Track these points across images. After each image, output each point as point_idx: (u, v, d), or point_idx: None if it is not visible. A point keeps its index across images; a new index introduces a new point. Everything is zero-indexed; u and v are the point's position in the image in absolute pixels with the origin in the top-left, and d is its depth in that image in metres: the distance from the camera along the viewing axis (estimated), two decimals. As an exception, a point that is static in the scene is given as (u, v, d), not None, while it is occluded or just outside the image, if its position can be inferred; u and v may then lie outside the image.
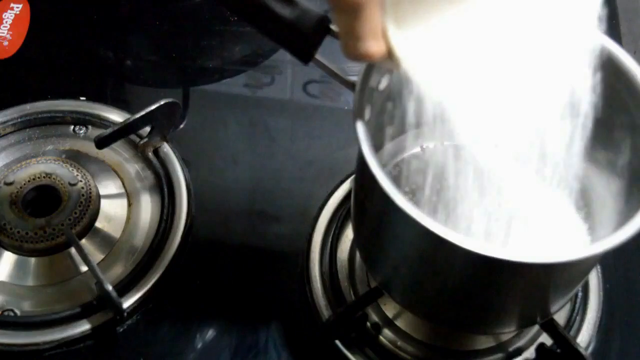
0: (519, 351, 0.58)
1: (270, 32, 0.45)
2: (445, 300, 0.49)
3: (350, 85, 0.45)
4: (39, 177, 0.63)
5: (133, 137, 0.68)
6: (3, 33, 0.78)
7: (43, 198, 0.63)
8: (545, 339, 0.57)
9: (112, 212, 0.64)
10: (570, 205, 0.52)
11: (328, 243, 0.63)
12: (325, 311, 0.59)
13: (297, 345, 0.60)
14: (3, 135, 0.69)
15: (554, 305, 0.50)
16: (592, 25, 0.40)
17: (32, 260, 0.60)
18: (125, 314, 0.58)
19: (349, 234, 0.63)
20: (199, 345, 0.59)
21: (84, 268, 0.60)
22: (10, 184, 0.62)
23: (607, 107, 0.47)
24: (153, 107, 0.64)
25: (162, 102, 0.64)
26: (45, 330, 0.57)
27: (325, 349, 0.57)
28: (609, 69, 0.45)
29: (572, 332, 0.58)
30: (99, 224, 0.63)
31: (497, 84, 0.40)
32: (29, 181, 0.62)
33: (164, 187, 0.65)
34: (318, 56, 0.46)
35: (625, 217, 0.43)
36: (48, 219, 0.60)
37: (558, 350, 0.56)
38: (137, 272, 0.60)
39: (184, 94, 0.76)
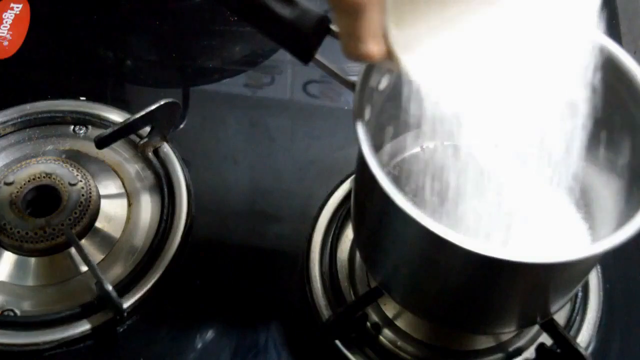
0: (519, 351, 0.58)
1: (270, 32, 0.45)
2: (445, 300, 0.49)
3: (350, 85, 0.45)
4: (39, 177, 0.63)
5: (133, 137, 0.68)
6: (3, 33, 0.78)
7: (43, 198, 0.63)
8: (545, 339, 0.58)
9: (112, 212, 0.64)
10: (570, 204, 0.52)
11: (328, 243, 0.63)
12: (325, 311, 0.59)
13: (297, 345, 0.60)
14: (3, 135, 0.69)
15: (554, 305, 0.50)
16: (591, 25, 0.40)
17: (32, 260, 0.60)
18: (125, 314, 0.58)
19: (349, 234, 0.63)
20: (199, 345, 0.59)
21: (84, 268, 0.60)
22: (10, 184, 0.62)
23: (607, 107, 0.47)
24: (153, 107, 0.64)
25: (162, 102, 0.64)
26: (45, 330, 0.57)
27: (325, 349, 0.57)
28: (609, 69, 0.45)
29: (572, 332, 0.58)
30: (99, 224, 0.63)
31: (496, 84, 0.40)
32: (29, 181, 0.62)
33: (164, 187, 0.65)
34: (318, 56, 0.46)
35: (625, 216, 0.43)
36: (48, 219, 0.60)
37: (558, 350, 0.56)
38: (137, 272, 0.60)
39: (184, 94, 0.76)
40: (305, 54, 0.45)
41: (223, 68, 0.78)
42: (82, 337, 0.57)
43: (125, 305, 0.58)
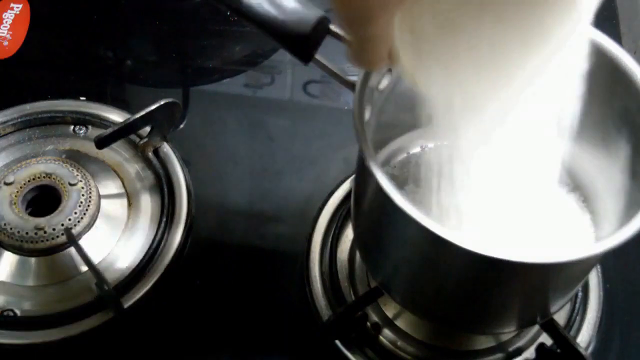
0: (519, 351, 0.58)
1: (271, 32, 0.45)
2: (445, 300, 0.49)
3: (350, 85, 0.45)
4: (39, 177, 0.63)
5: (133, 137, 0.68)
6: (3, 33, 0.78)
7: (43, 198, 0.63)
8: (545, 339, 0.57)
9: (112, 212, 0.64)
10: (574, 203, 0.52)
11: (328, 243, 0.63)
12: (325, 311, 0.59)
13: (297, 345, 0.60)
14: (3, 135, 0.69)
15: (554, 305, 0.50)
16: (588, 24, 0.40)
17: (32, 260, 0.60)
18: (125, 314, 0.58)
19: (349, 234, 0.63)
20: (199, 345, 0.59)
21: (84, 268, 0.60)
22: (10, 184, 0.62)
23: (607, 107, 0.47)
24: (153, 107, 0.64)
25: (162, 102, 0.64)
26: (45, 330, 0.57)
27: (325, 349, 0.57)
28: (609, 69, 0.45)
29: (572, 332, 0.58)
30: (99, 224, 0.63)
31: (498, 87, 0.40)
32: (29, 181, 0.62)
33: (164, 187, 0.65)
34: (318, 56, 0.46)
35: (627, 216, 0.43)
36: (48, 219, 0.60)
37: (558, 350, 0.56)
38: (137, 272, 0.60)
39: (184, 94, 0.76)
40: (305, 54, 0.45)
41: (223, 68, 0.78)
42: (82, 337, 0.57)
43: (125, 305, 0.58)
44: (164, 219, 0.63)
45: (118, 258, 0.62)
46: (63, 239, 0.60)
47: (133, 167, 0.68)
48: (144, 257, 0.61)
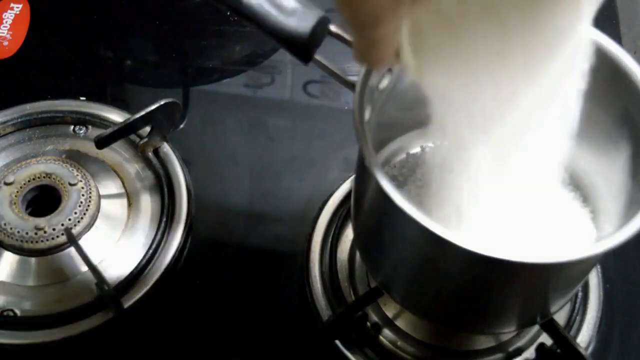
0: (519, 351, 0.58)
1: (270, 32, 0.45)
2: (445, 300, 0.49)
3: (350, 85, 0.45)
4: (39, 177, 0.63)
5: (133, 137, 0.68)
6: (3, 33, 0.78)
7: (43, 198, 0.63)
8: (545, 339, 0.57)
9: (112, 212, 0.64)
10: (575, 203, 0.52)
11: (328, 243, 0.63)
12: (325, 311, 0.59)
13: (297, 345, 0.60)
14: (3, 135, 0.69)
15: (554, 305, 0.50)
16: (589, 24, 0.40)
17: (32, 260, 0.60)
18: (125, 314, 0.58)
19: (349, 234, 0.63)
20: (199, 345, 0.59)
21: (84, 268, 0.60)
22: (10, 184, 0.62)
23: (607, 107, 0.47)
24: (153, 107, 0.64)
25: (162, 102, 0.64)
26: (45, 331, 0.57)
27: (325, 349, 0.57)
28: (609, 69, 0.45)
29: (572, 332, 0.58)
30: (99, 224, 0.63)
31: (500, 89, 0.40)
32: (29, 181, 0.62)
33: (164, 187, 0.65)
34: (318, 56, 0.46)
35: (627, 216, 0.43)
36: (48, 219, 0.60)
37: (558, 350, 0.56)
38: (137, 272, 0.60)
39: (184, 94, 0.76)
40: (305, 54, 0.45)
41: (223, 68, 0.78)
42: (82, 337, 0.57)
43: (125, 305, 0.58)
44: (164, 219, 0.63)
45: (118, 258, 0.62)
46: (63, 239, 0.60)
47: (133, 167, 0.68)
48: (144, 257, 0.61)
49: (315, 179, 0.68)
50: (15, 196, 0.61)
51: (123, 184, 0.66)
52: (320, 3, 0.45)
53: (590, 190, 0.52)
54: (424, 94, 0.41)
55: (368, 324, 0.58)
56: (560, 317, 0.59)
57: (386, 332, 0.59)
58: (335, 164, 0.69)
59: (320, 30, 0.45)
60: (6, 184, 0.62)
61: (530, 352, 0.58)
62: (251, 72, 0.78)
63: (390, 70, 0.46)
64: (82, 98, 0.72)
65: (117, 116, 0.70)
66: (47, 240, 0.60)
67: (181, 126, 0.72)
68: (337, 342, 0.57)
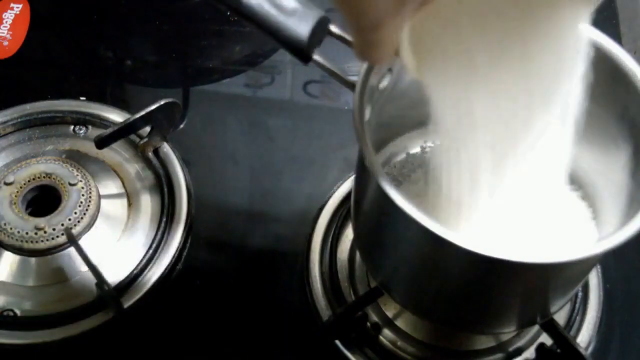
0: (519, 351, 0.58)
1: (270, 32, 0.45)
2: (445, 300, 0.49)
3: (350, 85, 0.45)
4: (39, 177, 0.63)
5: (133, 137, 0.68)
6: (3, 33, 0.78)
7: (43, 198, 0.63)
8: (545, 339, 0.57)
9: (112, 212, 0.64)
10: (576, 203, 0.52)
11: (328, 243, 0.63)
12: (325, 311, 0.59)
13: (297, 345, 0.60)
14: (3, 135, 0.69)
15: (554, 305, 0.50)
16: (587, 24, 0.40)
17: (32, 260, 0.60)
18: (125, 314, 0.58)
19: (349, 234, 0.63)
20: (199, 345, 0.59)
21: (84, 268, 0.60)
22: (10, 184, 0.62)
23: (607, 107, 0.47)
24: (153, 107, 0.64)
25: (162, 102, 0.64)
26: (45, 330, 0.57)
27: (325, 349, 0.57)
28: (609, 69, 0.45)
29: (572, 332, 0.58)
30: (99, 224, 0.63)
31: (499, 88, 0.40)
32: (29, 181, 0.62)
33: (164, 187, 0.65)
34: (318, 56, 0.46)
35: (627, 216, 0.43)
36: (48, 219, 0.60)
37: (558, 350, 0.56)
38: (137, 272, 0.60)
39: (184, 94, 0.76)
40: (305, 54, 0.45)
41: (223, 68, 0.78)
42: (82, 337, 0.57)
43: (125, 305, 0.58)
44: (164, 219, 0.63)
45: (118, 258, 0.62)
46: (63, 239, 0.60)
47: (133, 167, 0.68)
48: (144, 257, 0.61)
49: (315, 179, 0.68)
50: (15, 196, 0.61)
51: (123, 184, 0.66)
52: (320, 3, 0.45)
53: (591, 190, 0.52)
54: (424, 93, 0.41)
55: (368, 324, 0.58)
56: (560, 317, 0.59)
57: (386, 332, 0.59)
58: (335, 164, 0.69)
59: (320, 30, 0.45)
60: (6, 184, 0.62)
61: (530, 352, 0.58)
62: (251, 72, 0.78)
63: (390, 70, 0.46)
64: (82, 98, 0.72)
65: (117, 116, 0.70)
66: (47, 240, 0.60)
67: (181, 126, 0.72)
68: (337, 342, 0.57)
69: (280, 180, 0.69)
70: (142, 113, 0.64)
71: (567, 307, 0.60)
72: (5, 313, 0.58)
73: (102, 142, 0.63)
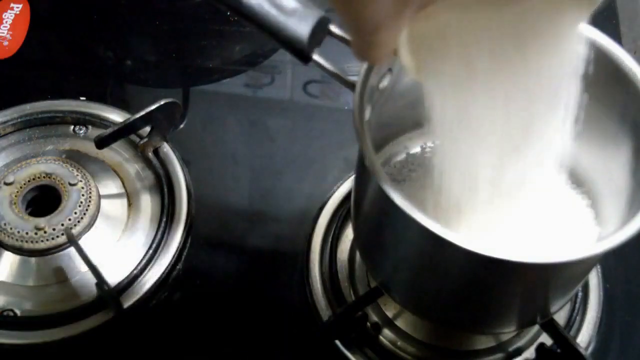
0: (519, 351, 0.58)
1: (270, 32, 0.45)
2: (445, 300, 0.49)
3: (350, 85, 0.45)
4: (39, 177, 0.63)
5: (133, 137, 0.68)
6: (3, 33, 0.78)
7: (43, 198, 0.63)
8: (545, 339, 0.58)
9: (112, 212, 0.64)
10: (577, 203, 0.52)
11: (328, 243, 0.63)
12: (325, 311, 0.59)
13: (297, 345, 0.60)
14: (3, 135, 0.69)
15: (554, 305, 0.50)
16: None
17: (32, 260, 0.60)
18: (125, 314, 0.58)
19: (349, 234, 0.63)
20: (199, 345, 0.59)
21: (84, 268, 0.60)
22: (10, 184, 0.62)
23: (607, 107, 0.47)
24: (153, 107, 0.64)
25: (162, 102, 0.64)
26: (45, 331, 0.57)
27: (325, 349, 0.57)
28: (609, 69, 0.45)
29: (572, 332, 0.58)
30: (99, 224, 0.63)
31: (498, 87, 0.40)
32: (29, 181, 0.62)
33: (164, 187, 0.65)
34: (318, 56, 0.46)
35: (628, 215, 0.43)
36: (48, 219, 0.60)
37: (558, 350, 0.56)
38: (137, 272, 0.60)
39: (184, 94, 0.76)
40: (304, 54, 0.45)
41: (223, 68, 0.78)
42: (82, 337, 0.57)
43: (125, 305, 0.58)
44: (164, 219, 0.63)
45: (118, 258, 0.62)
46: (63, 239, 0.60)
47: (133, 167, 0.68)
48: (144, 257, 0.61)
49: (315, 179, 0.68)
50: (15, 196, 0.61)
51: (123, 184, 0.66)
52: (320, 3, 0.45)
53: (592, 190, 0.52)
54: (422, 93, 0.41)
55: (368, 324, 0.58)
56: (560, 317, 0.59)
57: (386, 332, 0.59)
58: (335, 164, 0.69)
59: (320, 31, 0.45)
60: (6, 184, 0.62)
61: (530, 352, 0.58)
62: (251, 72, 0.78)
63: (390, 70, 0.46)
64: (82, 98, 0.72)
65: (117, 116, 0.70)
66: (47, 240, 0.60)
67: (181, 126, 0.72)
68: (337, 342, 0.57)
69: (280, 180, 0.69)
70: (142, 113, 0.64)
71: (567, 307, 0.60)
72: (5, 313, 0.58)
73: (102, 142, 0.63)
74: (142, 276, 0.60)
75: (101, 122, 0.70)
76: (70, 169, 0.63)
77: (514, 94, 0.41)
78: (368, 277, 0.61)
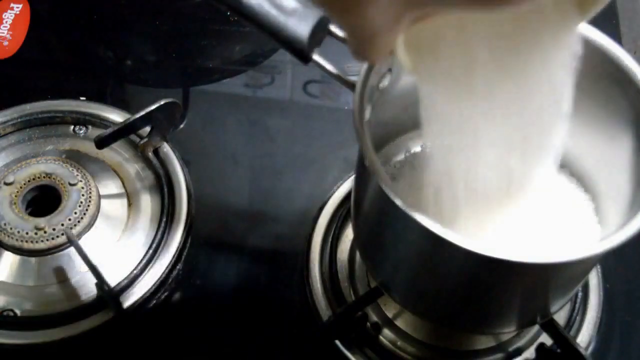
0: (519, 351, 0.58)
1: (270, 32, 0.45)
2: (445, 301, 0.49)
3: (350, 85, 0.45)
4: (39, 177, 0.63)
5: (133, 137, 0.68)
6: (3, 33, 0.78)
7: (43, 198, 0.63)
8: (545, 339, 0.58)
9: (112, 212, 0.64)
10: (578, 203, 0.52)
11: (328, 243, 0.63)
12: (325, 311, 0.59)
13: (297, 345, 0.60)
14: (3, 135, 0.69)
15: (554, 305, 0.50)
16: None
17: (33, 260, 0.60)
18: (125, 314, 0.58)
19: (349, 234, 0.63)
20: (199, 345, 0.59)
21: (84, 268, 0.60)
22: (10, 184, 0.62)
23: (607, 106, 0.47)
24: (153, 107, 0.64)
25: (162, 102, 0.64)
26: (45, 330, 0.57)
27: (325, 349, 0.57)
28: (609, 69, 0.45)
29: (572, 332, 0.58)
30: (99, 224, 0.63)
31: (497, 86, 0.40)
32: (29, 181, 0.62)
33: (164, 187, 0.65)
34: (318, 56, 0.46)
35: (629, 215, 0.43)
36: (48, 219, 0.60)
37: (558, 350, 0.56)
38: (137, 272, 0.60)
39: (184, 94, 0.76)
40: (304, 54, 0.45)
41: (223, 68, 0.78)
42: (82, 337, 0.57)
43: (125, 305, 0.58)
44: (164, 219, 0.63)
45: (118, 258, 0.62)
46: (63, 239, 0.60)
47: (133, 167, 0.68)
48: (144, 257, 0.61)
49: (315, 179, 0.68)
50: (15, 196, 0.61)
51: (123, 184, 0.66)
52: (320, 3, 0.45)
53: (593, 190, 0.52)
54: (418, 90, 0.40)
55: (368, 324, 0.58)
56: (560, 317, 0.59)
57: (386, 332, 0.59)
58: (335, 164, 0.69)
59: (320, 30, 0.45)
60: (6, 184, 0.62)
61: (530, 352, 0.58)
62: (251, 72, 0.78)
63: (390, 70, 0.46)
64: (82, 98, 0.72)
65: (117, 116, 0.70)
66: (47, 240, 0.60)
67: (181, 126, 0.72)
68: (337, 342, 0.57)
69: (280, 180, 0.69)
70: (142, 113, 0.64)
71: (567, 307, 0.60)
72: (5, 313, 0.58)
73: (102, 142, 0.63)
74: (142, 276, 0.60)
75: (101, 122, 0.70)
76: (70, 169, 0.63)
77: (513, 94, 0.40)
78: (368, 277, 0.61)
